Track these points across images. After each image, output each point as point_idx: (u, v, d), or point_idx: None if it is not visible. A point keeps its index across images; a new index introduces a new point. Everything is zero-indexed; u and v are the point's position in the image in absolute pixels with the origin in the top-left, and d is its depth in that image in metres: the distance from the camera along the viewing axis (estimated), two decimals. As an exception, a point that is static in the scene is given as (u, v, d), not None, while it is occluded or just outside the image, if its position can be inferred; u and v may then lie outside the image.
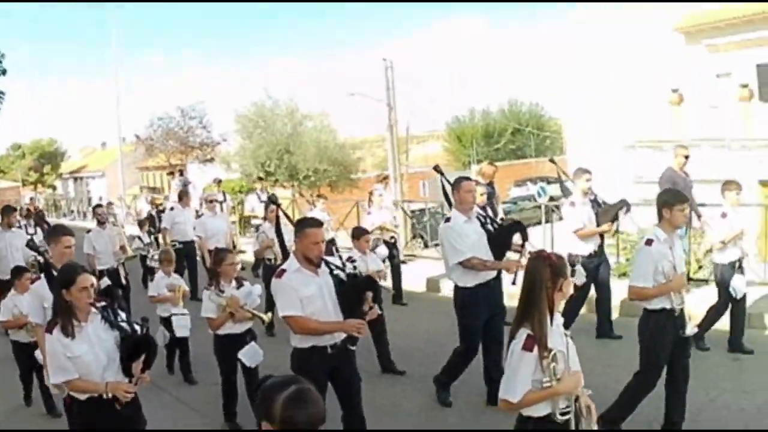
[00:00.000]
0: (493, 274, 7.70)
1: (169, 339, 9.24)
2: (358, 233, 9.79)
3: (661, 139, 18.81)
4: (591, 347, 9.11)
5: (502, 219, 11.11)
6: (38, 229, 14.32)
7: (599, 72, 21.11)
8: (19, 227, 12.82)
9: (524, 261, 6.89)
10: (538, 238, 13.16)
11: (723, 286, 8.96)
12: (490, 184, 11.75)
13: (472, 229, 7.59)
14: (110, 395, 5.10)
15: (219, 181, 22.12)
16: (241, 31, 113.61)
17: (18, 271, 8.77)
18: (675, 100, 20.60)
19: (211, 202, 14.40)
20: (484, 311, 7.60)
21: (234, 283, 7.62)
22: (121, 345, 5.20)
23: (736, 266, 8.90)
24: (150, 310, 9.17)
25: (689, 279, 9.33)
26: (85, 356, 5.08)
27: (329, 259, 6.19)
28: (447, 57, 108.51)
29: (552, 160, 11.48)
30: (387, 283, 10.11)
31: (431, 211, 20.59)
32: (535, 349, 4.20)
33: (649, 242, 6.35)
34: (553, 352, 4.22)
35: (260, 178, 22.90)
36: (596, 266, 9.69)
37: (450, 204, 7.91)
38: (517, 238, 7.84)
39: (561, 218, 11.50)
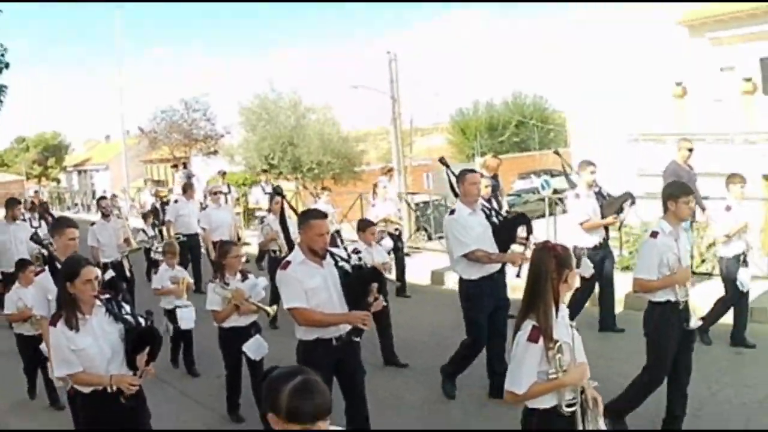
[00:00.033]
0: (498, 266, 7.69)
1: (172, 331, 9.26)
2: (364, 225, 9.69)
3: (665, 133, 18.76)
4: (593, 340, 9.08)
5: (507, 212, 11.10)
6: (43, 222, 14.31)
7: (603, 64, 21.03)
8: (24, 220, 12.82)
9: (528, 254, 6.88)
10: (541, 231, 13.15)
11: (729, 279, 8.92)
12: (495, 177, 11.75)
13: (476, 222, 7.57)
14: (115, 388, 5.09)
15: (224, 174, 22.10)
16: (245, 24, 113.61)
17: (22, 264, 8.77)
18: (678, 94, 20.53)
19: (215, 194, 14.41)
20: (488, 303, 7.59)
21: (239, 275, 7.62)
22: (126, 337, 5.19)
23: (741, 259, 8.90)
24: (154, 302, 9.20)
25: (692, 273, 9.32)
26: (89, 349, 5.07)
27: (334, 250, 6.19)
28: (451, 49, 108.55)
29: (557, 152, 11.51)
30: (392, 275, 10.09)
31: (435, 203, 20.56)
32: (541, 340, 4.19)
33: (654, 234, 6.33)
34: (558, 344, 4.21)
35: (265, 171, 22.88)
36: (601, 259, 9.68)
37: (457, 196, 7.90)
38: (521, 231, 7.83)
39: (565, 211, 11.49)
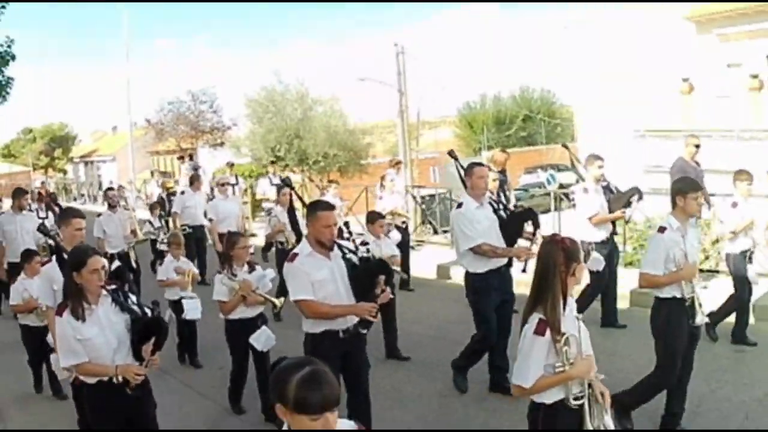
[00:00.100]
0: (504, 260, 7.68)
1: (176, 322, 9.22)
2: (374, 218, 9.60)
3: (672, 129, 18.72)
4: (595, 336, 9.04)
5: (515, 206, 11.07)
6: (50, 213, 14.33)
7: (610, 60, 21.01)
8: (30, 211, 12.83)
9: (535, 248, 6.87)
10: (547, 226, 13.13)
11: (737, 276, 8.90)
12: (502, 172, 11.75)
13: (483, 215, 7.56)
14: (120, 378, 5.10)
15: (231, 165, 22.04)
16: (252, 15, 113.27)
17: (28, 255, 8.75)
18: (685, 90, 20.47)
19: (223, 185, 14.43)
20: (495, 297, 7.58)
21: (246, 267, 7.60)
22: (132, 328, 5.19)
23: (747, 256, 8.88)
24: (160, 293, 9.19)
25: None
26: (95, 339, 5.07)
27: (342, 242, 6.18)
28: (458, 43, 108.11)
29: (565, 146, 11.47)
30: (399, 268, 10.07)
31: (441, 196, 20.52)
32: (548, 333, 4.19)
33: (661, 230, 6.31)
34: (565, 336, 4.21)
35: (272, 162, 22.83)
36: (608, 254, 9.66)
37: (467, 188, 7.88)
38: (528, 226, 7.82)
39: (571, 206, 11.46)
